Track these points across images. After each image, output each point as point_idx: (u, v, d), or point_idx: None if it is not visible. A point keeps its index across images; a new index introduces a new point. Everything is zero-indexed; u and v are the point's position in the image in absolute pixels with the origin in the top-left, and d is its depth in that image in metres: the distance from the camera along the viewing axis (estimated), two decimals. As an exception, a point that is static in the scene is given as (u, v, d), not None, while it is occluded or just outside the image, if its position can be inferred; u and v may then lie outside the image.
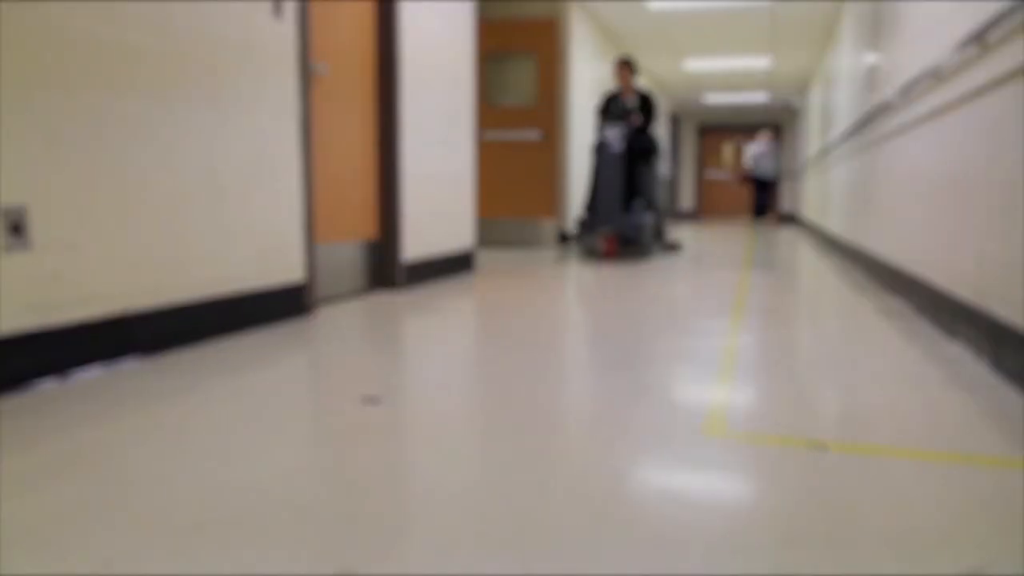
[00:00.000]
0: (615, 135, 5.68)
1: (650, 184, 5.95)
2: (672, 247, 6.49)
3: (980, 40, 2.34)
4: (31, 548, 1.07)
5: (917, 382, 2.03)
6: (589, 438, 1.56)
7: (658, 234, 6.21)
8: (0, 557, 1.04)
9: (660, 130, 10.53)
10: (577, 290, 4.09)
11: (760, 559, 1.04)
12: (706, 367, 2.19)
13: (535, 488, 1.28)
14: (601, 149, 5.72)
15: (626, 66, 6.13)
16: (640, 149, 5.91)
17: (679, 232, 10.13)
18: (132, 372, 2.10)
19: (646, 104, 6.05)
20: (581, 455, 1.46)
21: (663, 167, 13.08)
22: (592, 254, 5.78)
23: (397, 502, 1.22)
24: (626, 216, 5.62)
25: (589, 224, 5.71)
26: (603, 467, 1.38)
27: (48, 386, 1.93)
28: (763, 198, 12.25)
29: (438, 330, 2.79)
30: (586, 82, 7.64)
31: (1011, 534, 1.12)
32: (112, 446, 1.49)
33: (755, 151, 12.27)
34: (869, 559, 1.04)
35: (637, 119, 5.89)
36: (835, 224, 6.85)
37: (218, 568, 1.01)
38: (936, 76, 2.93)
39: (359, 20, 3.61)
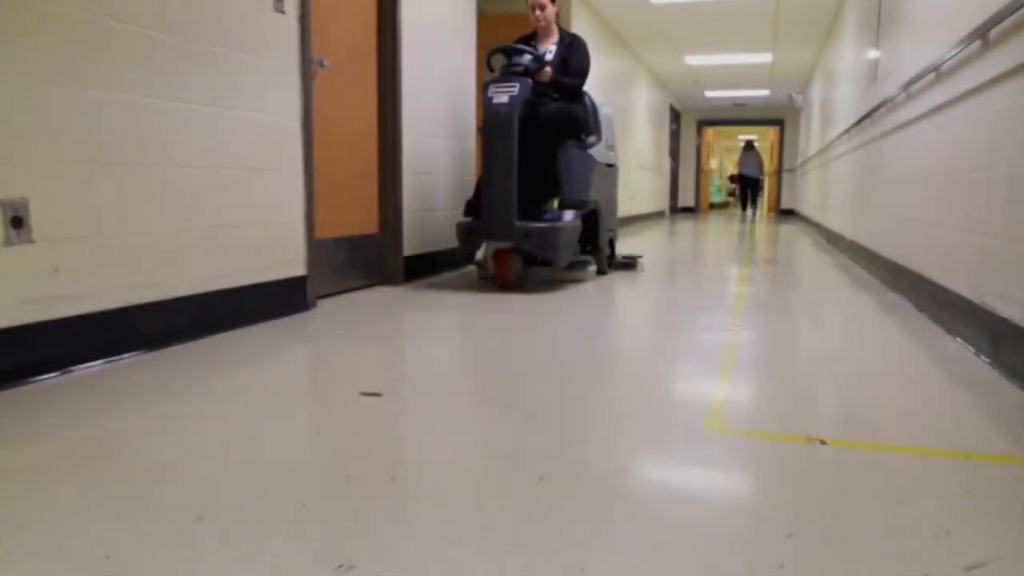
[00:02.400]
0: (505, 96, 3.58)
1: (577, 173, 3.84)
2: (625, 264, 4.74)
3: (983, 36, 2.34)
4: (33, 541, 1.07)
5: (917, 378, 2.03)
6: (591, 434, 1.56)
7: (597, 248, 4.23)
8: (2, 550, 1.04)
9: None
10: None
11: (760, 554, 1.04)
12: (706, 364, 2.19)
13: (538, 483, 1.28)
14: (487, 119, 3.61)
15: None
16: (556, 119, 3.80)
17: (679, 228, 10.12)
18: (133, 366, 2.10)
19: (573, 52, 3.96)
20: (583, 451, 1.46)
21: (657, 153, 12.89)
22: (486, 276, 4.01)
23: (398, 497, 1.22)
24: (525, 224, 3.54)
25: (470, 233, 3.72)
26: (604, 463, 1.38)
27: (49, 380, 1.93)
28: (751, 193, 15.94)
29: (438, 325, 2.79)
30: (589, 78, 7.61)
31: (1012, 530, 1.12)
32: (113, 440, 1.49)
33: (744, 158, 15.88)
34: (869, 554, 1.04)
35: (546, 73, 3.73)
36: (836, 220, 6.84)
37: (219, 561, 1.01)
38: (938, 71, 2.92)
39: (360, 14, 3.60)
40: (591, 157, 4.01)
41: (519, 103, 3.56)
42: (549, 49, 3.99)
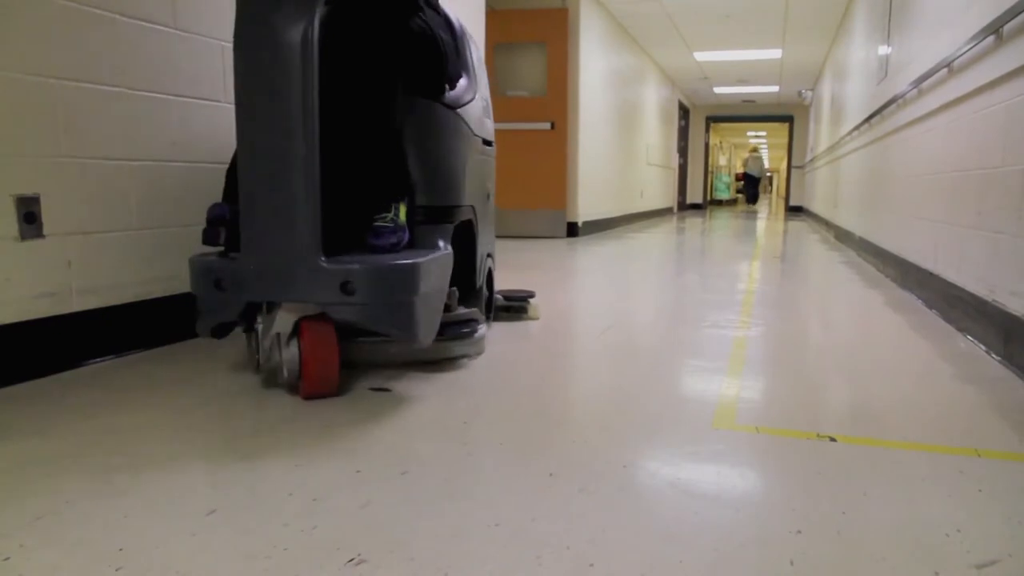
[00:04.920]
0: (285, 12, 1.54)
1: (441, 152, 1.99)
2: (509, 309, 2.84)
3: (997, 31, 2.32)
4: (47, 533, 1.08)
5: (927, 375, 2.03)
6: (600, 432, 1.56)
7: (473, 287, 2.37)
8: (16, 543, 1.05)
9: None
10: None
11: (770, 551, 1.04)
12: (716, 360, 2.18)
13: (548, 478, 1.29)
14: (245, 44, 1.58)
15: None
16: (393, 44, 1.88)
17: (687, 224, 10.08)
18: (146, 360, 2.11)
19: None
20: (592, 447, 1.46)
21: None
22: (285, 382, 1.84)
23: (409, 491, 1.23)
24: (348, 265, 1.62)
25: (220, 286, 1.68)
26: (614, 458, 1.39)
27: (63, 374, 1.94)
28: (754, 189, 20.26)
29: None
30: (596, 72, 7.61)
31: (1023, 528, 1.12)
32: (125, 433, 1.50)
33: (748, 159, 20.32)
34: (879, 551, 1.04)
35: None
36: (845, 216, 6.81)
37: (230, 554, 1.02)
38: (951, 67, 2.90)
39: (369, 9, 3.59)
40: (462, 123, 2.07)
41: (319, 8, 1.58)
42: None
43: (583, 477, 1.29)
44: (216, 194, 2.01)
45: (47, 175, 1.93)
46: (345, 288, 1.62)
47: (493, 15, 6.66)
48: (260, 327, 1.73)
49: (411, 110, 1.89)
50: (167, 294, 2.32)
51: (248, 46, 1.59)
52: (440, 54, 1.98)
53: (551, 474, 1.30)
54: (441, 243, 1.95)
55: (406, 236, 1.86)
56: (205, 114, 2.43)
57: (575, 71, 6.91)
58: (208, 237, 1.83)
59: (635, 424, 1.59)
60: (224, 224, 1.80)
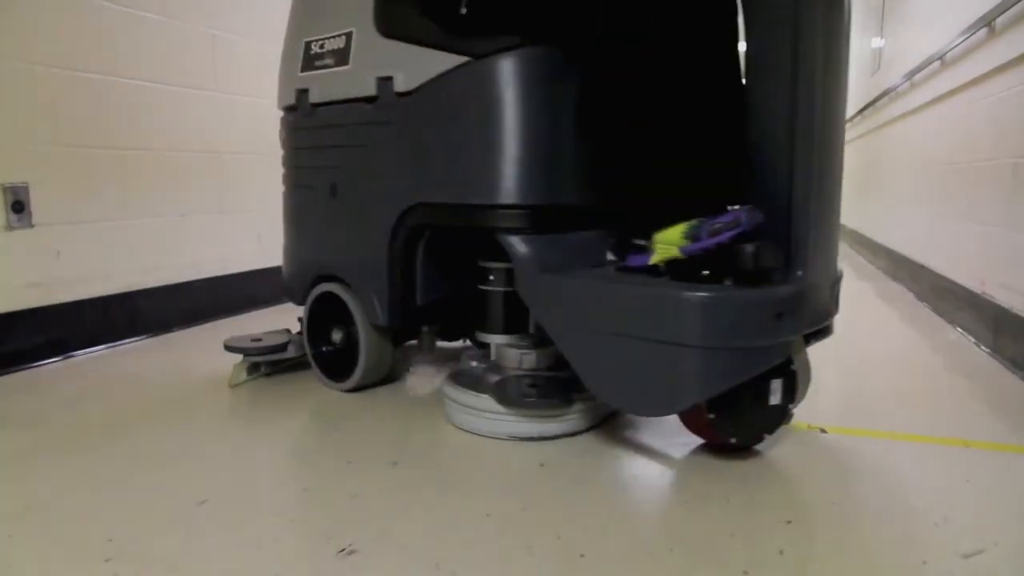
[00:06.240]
0: None
1: None
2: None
3: (989, 24, 2.33)
4: (37, 523, 1.07)
5: (917, 367, 2.04)
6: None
7: None
8: (5, 533, 1.05)
9: None
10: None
11: (760, 540, 1.04)
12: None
13: (539, 469, 1.29)
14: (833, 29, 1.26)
15: None
16: None
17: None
18: (135, 350, 2.10)
19: None
20: (582, 437, 1.46)
21: None
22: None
23: (399, 482, 1.23)
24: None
25: (786, 310, 1.20)
26: (605, 449, 1.39)
27: (52, 364, 1.93)
28: None
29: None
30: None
31: (1010, 517, 1.13)
32: (115, 423, 1.49)
33: None
34: (867, 541, 1.04)
35: None
36: (837, 209, 6.82)
37: (221, 544, 1.02)
38: (943, 60, 2.91)
39: None
40: None
41: None
42: None
43: (573, 467, 1.29)
44: (213, 186, 2.01)
45: (35, 164, 1.91)
46: (834, 296, 1.40)
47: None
48: (796, 368, 1.28)
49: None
50: (158, 284, 2.31)
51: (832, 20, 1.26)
52: None
53: (542, 464, 1.30)
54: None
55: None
56: (195, 102, 2.41)
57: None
58: (767, 258, 1.22)
59: (627, 415, 1.59)
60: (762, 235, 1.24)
